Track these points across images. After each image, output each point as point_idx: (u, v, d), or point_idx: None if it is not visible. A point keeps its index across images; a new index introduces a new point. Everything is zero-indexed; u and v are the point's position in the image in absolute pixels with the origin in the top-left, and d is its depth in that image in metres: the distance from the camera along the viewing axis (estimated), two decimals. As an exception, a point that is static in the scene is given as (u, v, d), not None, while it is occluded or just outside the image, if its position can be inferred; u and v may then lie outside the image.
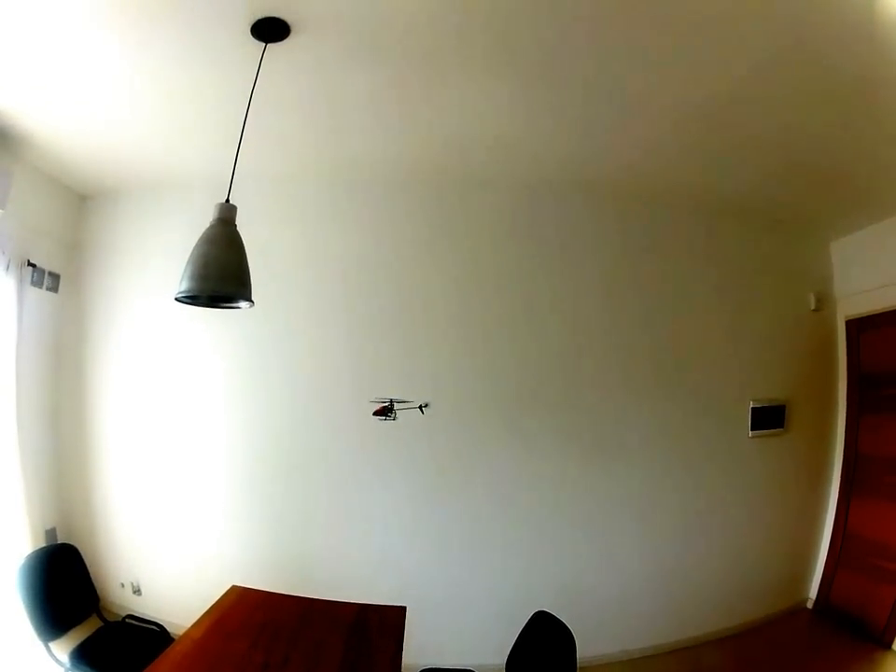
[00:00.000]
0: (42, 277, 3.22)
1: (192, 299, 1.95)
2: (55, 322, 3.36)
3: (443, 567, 3.18)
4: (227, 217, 1.89)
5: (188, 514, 3.31)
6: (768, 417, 3.50)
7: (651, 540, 3.29)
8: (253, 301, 1.92)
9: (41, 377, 3.28)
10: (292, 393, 3.28)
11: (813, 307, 3.67)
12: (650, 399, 3.34)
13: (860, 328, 3.62)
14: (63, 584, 2.53)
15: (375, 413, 3.16)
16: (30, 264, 3.09)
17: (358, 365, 3.26)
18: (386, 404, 3.18)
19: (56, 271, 3.34)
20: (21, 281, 3.02)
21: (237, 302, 1.96)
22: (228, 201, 1.92)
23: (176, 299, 1.90)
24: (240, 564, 3.16)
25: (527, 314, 3.32)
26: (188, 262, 1.86)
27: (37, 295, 3.18)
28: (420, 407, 3.23)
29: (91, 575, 2.83)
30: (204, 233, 1.89)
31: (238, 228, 1.95)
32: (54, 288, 3.33)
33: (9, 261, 2.96)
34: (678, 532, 3.32)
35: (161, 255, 3.22)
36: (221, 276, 1.84)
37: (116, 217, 3.51)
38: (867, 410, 3.56)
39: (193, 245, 1.90)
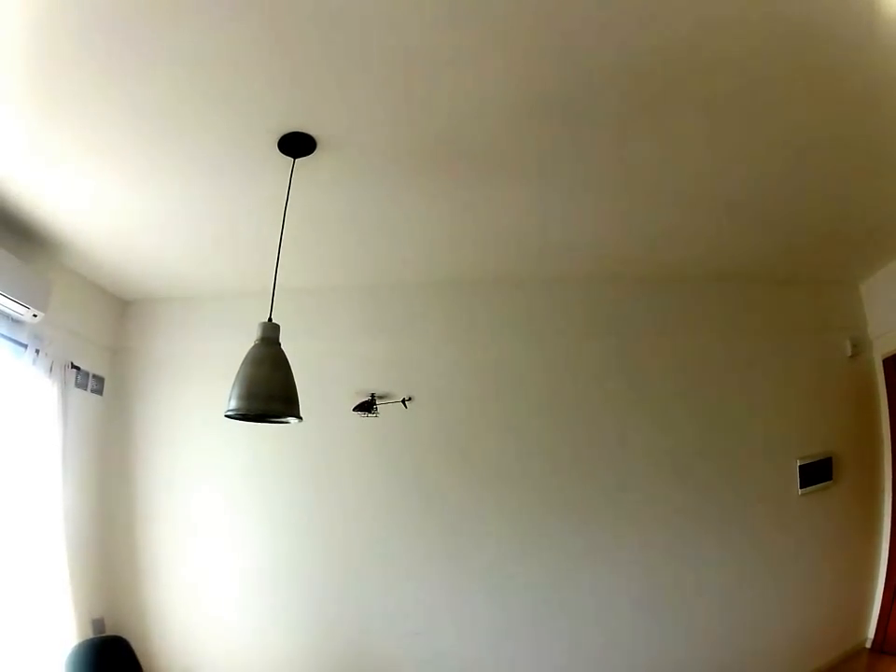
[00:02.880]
0: (86, 380, 3.31)
1: (242, 415, 2.00)
2: (101, 423, 3.45)
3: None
4: (271, 336, 1.95)
5: (241, 607, 3.34)
6: (816, 472, 3.44)
7: (707, 611, 3.26)
8: (301, 417, 1.96)
9: (87, 473, 3.35)
10: (337, 492, 3.41)
11: (850, 354, 3.60)
12: (697, 476, 3.38)
13: (897, 364, 3.57)
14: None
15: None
16: (73, 366, 3.17)
17: (398, 468, 3.41)
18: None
19: (100, 373, 3.45)
20: (64, 383, 3.10)
21: (286, 418, 2.01)
22: (270, 319, 1.99)
23: (226, 415, 1.96)
24: (298, 659, 3.19)
25: (563, 403, 3.49)
26: (235, 381, 1.92)
27: (82, 397, 3.28)
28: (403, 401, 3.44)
29: (142, 666, 2.85)
30: (250, 352, 1.95)
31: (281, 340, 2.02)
32: (99, 391, 3.43)
33: (52, 363, 3.04)
34: (734, 598, 3.27)
35: (205, 363, 3.38)
36: (269, 396, 1.91)
37: (158, 323, 3.64)
38: (913, 443, 3.48)
39: (237, 354, 1.97)
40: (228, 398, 1.92)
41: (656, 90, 1.99)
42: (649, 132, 2.22)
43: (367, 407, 3.38)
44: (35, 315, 2.80)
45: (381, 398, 3.41)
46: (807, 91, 2.03)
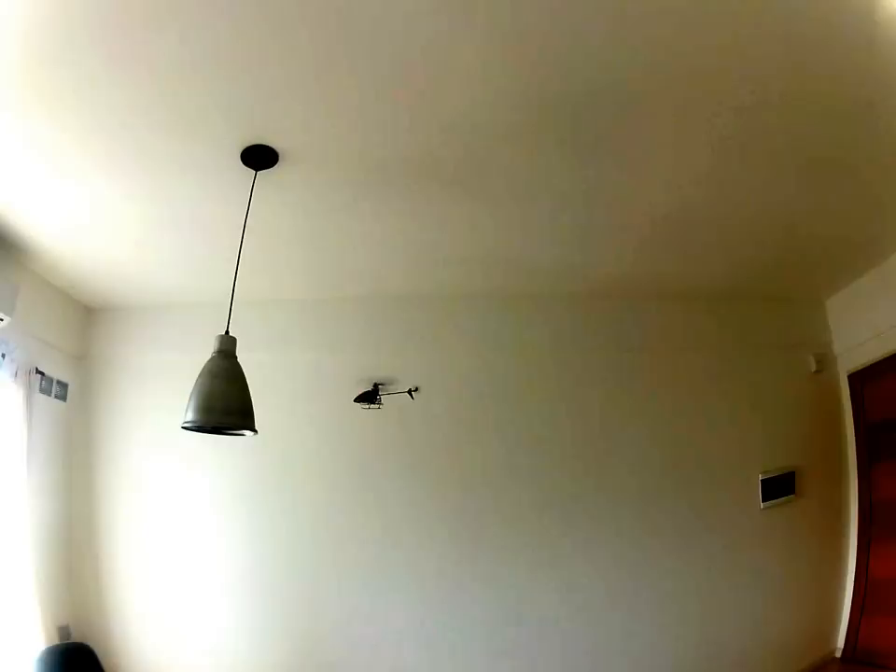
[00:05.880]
0: (51, 385, 3.28)
1: (198, 427, 2.00)
2: (65, 429, 3.41)
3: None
4: (227, 349, 1.95)
5: (205, 614, 3.33)
6: (778, 486, 3.49)
7: (672, 625, 3.28)
8: (256, 430, 1.96)
9: (51, 479, 3.30)
10: (298, 501, 3.43)
11: (814, 369, 3.67)
12: (660, 490, 3.41)
13: (862, 379, 3.60)
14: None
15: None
16: (38, 372, 3.14)
17: (357, 476, 3.43)
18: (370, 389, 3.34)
19: (64, 379, 3.41)
20: (29, 388, 3.07)
21: (241, 431, 2.00)
22: (228, 332, 1.98)
23: (183, 427, 1.95)
24: (260, 666, 3.19)
25: (531, 418, 3.51)
26: (192, 394, 1.92)
27: (46, 402, 3.24)
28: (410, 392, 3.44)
29: (107, 673, 2.84)
30: (207, 365, 1.95)
31: (240, 349, 2.02)
32: (63, 397, 3.39)
33: (17, 368, 3.01)
34: (699, 613, 3.31)
35: (168, 371, 3.36)
36: (224, 409, 1.91)
37: (122, 330, 3.63)
38: (878, 457, 3.52)
39: (197, 363, 1.97)
40: (185, 409, 1.92)
41: (625, 113, 2.04)
42: (617, 153, 2.25)
43: (370, 397, 3.35)
44: (1, 319, 2.77)
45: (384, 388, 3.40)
46: (778, 115, 2.07)
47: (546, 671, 3.21)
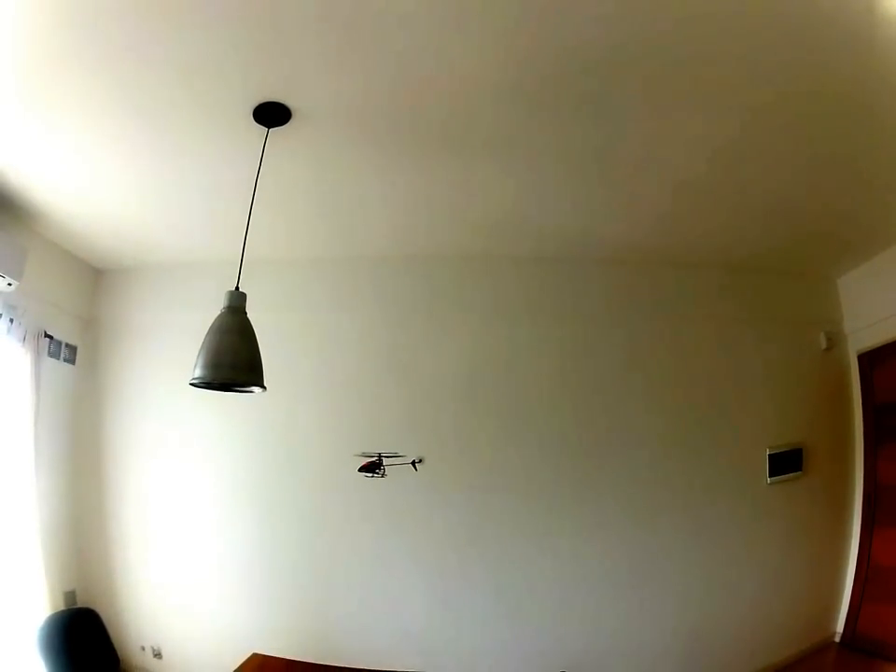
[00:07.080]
0: (59, 349, 3.29)
1: (206, 384, 1.99)
2: (73, 392, 3.43)
3: (467, 638, 3.22)
4: (237, 304, 1.93)
5: (208, 579, 3.34)
6: (786, 462, 3.48)
7: (673, 599, 3.28)
8: (265, 387, 1.95)
9: (59, 443, 3.33)
10: (303, 465, 3.40)
11: (824, 347, 3.66)
12: (668, 459, 3.38)
13: (872, 360, 3.60)
14: (84, 647, 2.61)
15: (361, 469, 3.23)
16: (47, 335, 3.15)
17: (365, 437, 3.37)
18: (375, 460, 3.25)
19: (73, 343, 3.43)
20: (37, 352, 3.09)
21: (249, 387, 2.00)
22: (238, 288, 1.97)
23: (191, 383, 1.94)
24: (261, 630, 3.19)
25: (539, 388, 3.46)
26: (201, 350, 1.91)
27: (54, 366, 3.26)
28: (413, 463, 3.32)
29: (112, 638, 2.87)
30: (216, 321, 1.93)
31: (248, 309, 2.01)
32: (71, 360, 3.41)
33: (25, 332, 3.02)
34: (700, 588, 3.30)
35: (177, 332, 3.31)
36: (233, 365, 1.89)
37: (131, 292, 3.62)
38: (885, 440, 3.52)
39: (207, 324, 1.96)
40: (193, 366, 1.91)
41: (644, 81, 2.01)
42: (639, 119, 2.23)
43: (373, 468, 3.26)
44: (9, 284, 2.77)
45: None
46: (799, 92, 2.05)
47: (552, 651, 3.19)
